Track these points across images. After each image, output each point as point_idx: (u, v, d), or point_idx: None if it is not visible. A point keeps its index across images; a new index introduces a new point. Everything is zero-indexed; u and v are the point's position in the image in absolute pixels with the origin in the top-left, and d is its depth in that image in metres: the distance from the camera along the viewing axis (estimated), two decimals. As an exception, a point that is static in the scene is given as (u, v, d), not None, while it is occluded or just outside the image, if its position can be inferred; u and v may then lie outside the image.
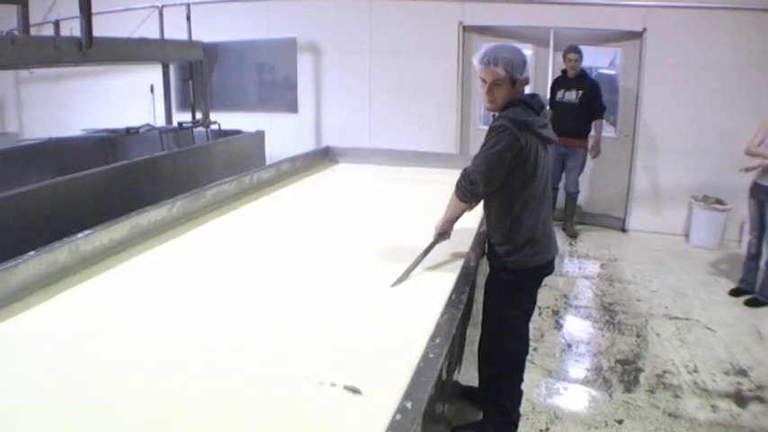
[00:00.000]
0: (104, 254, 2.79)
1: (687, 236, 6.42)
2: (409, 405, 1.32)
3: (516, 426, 2.99)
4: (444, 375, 1.81)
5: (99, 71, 7.86)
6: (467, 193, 2.58)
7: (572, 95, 6.14)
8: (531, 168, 2.54)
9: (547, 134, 2.60)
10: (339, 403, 1.61)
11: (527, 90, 2.79)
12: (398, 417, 1.29)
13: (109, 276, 2.62)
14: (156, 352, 1.94)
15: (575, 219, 6.66)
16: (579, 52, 6.09)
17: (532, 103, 2.56)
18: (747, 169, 4.69)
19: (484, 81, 2.56)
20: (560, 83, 6.28)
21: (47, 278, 2.48)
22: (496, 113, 2.59)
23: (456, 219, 2.75)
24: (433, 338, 1.67)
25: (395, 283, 2.47)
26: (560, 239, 6.33)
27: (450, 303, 1.97)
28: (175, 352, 1.94)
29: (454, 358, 2.01)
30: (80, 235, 2.69)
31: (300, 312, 2.26)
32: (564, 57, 6.17)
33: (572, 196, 6.47)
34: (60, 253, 2.57)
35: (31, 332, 2.10)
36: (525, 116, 2.49)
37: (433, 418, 1.74)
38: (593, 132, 6.23)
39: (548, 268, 2.77)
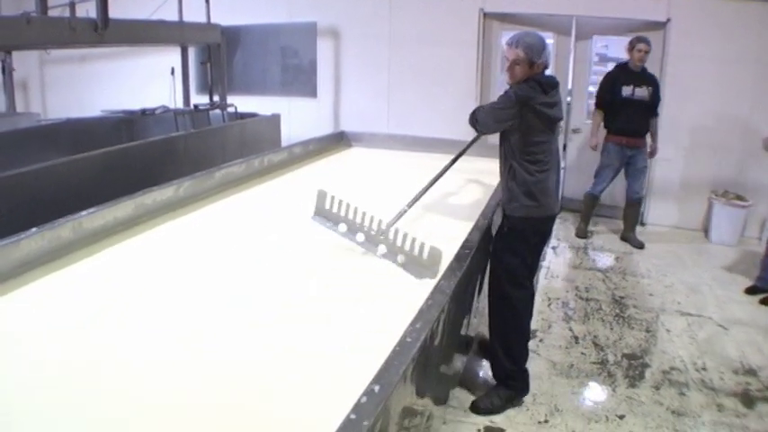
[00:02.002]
0: (108, 232, 2.81)
1: (706, 232, 6.31)
2: (377, 389, 1.32)
3: (527, 380, 3.23)
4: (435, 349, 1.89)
5: (121, 53, 7.92)
6: (472, 123, 3.10)
7: (644, 92, 5.66)
8: (526, 135, 2.92)
9: (551, 113, 2.94)
10: (314, 379, 1.66)
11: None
12: (364, 399, 1.28)
13: (112, 254, 2.64)
14: (153, 330, 1.96)
15: (636, 228, 6.19)
16: (649, 42, 5.66)
17: (542, 81, 2.91)
18: None
19: (507, 60, 2.95)
20: (624, 77, 5.73)
21: (49, 254, 2.51)
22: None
23: None
24: (413, 323, 1.67)
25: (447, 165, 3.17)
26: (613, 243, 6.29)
27: (437, 289, 1.97)
28: (171, 331, 1.96)
29: (445, 328, 2.05)
30: (84, 213, 2.72)
31: (298, 290, 2.29)
32: (631, 47, 5.68)
33: (637, 203, 6.04)
34: (64, 230, 2.60)
35: (31, 306, 2.12)
36: (529, 92, 2.87)
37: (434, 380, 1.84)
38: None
39: (547, 223, 3.13)
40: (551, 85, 2.95)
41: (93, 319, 2.02)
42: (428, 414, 2.18)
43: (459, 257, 2.37)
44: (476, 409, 3.14)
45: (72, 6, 4.31)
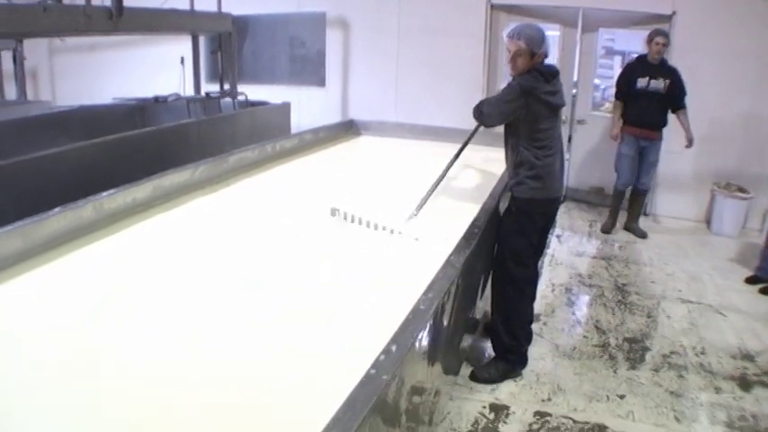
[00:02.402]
0: (127, 213, 2.93)
1: (709, 223, 6.38)
2: (394, 348, 1.42)
3: (525, 357, 3.44)
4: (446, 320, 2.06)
5: (131, 42, 8.01)
6: (477, 117, 3.24)
7: (659, 84, 5.66)
8: (532, 122, 3.09)
9: (553, 100, 3.11)
10: (337, 343, 1.82)
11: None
12: (382, 357, 1.39)
13: (130, 235, 2.76)
14: (163, 314, 2.07)
15: (640, 218, 6.28)
16: (667, 36, 5.71)
17: (544, 71, 3.07)
18: None
19: (509, 51, 3.10)
20: (640, 69, 5.76)
21: (72, 233, 2.62)
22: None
23: None
24: (426, 293, 1.79)
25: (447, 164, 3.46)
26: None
27: (448, 263, 2.09)
28: (182, 315, 2.07)
29: (455, 303, 2.23)
30: (104, 194, 2.83)
31: (309, 275, 2.40)
32: (650, 40, 5.69)
33: (643, 194, 6.13)
34: (85, 210, 2.71)
35: (55, 282, 2.25)
36: (533, 83, 3.03)
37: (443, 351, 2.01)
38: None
39: (553, 205, 3.32)
40: (552, 74, 3.11)
41: (107, 300, 2.12)
42: (435, 390, 2.29)
43: (468, 236, 2.47)
44: (474, 378, 3.32)
45: (88, -6, 4.40)
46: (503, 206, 3.32)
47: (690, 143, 5.83)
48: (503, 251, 3.28)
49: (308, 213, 3.13)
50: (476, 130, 3.44)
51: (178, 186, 3.26)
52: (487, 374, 3.33)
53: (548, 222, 3.39)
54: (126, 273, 2.34)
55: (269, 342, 1.87)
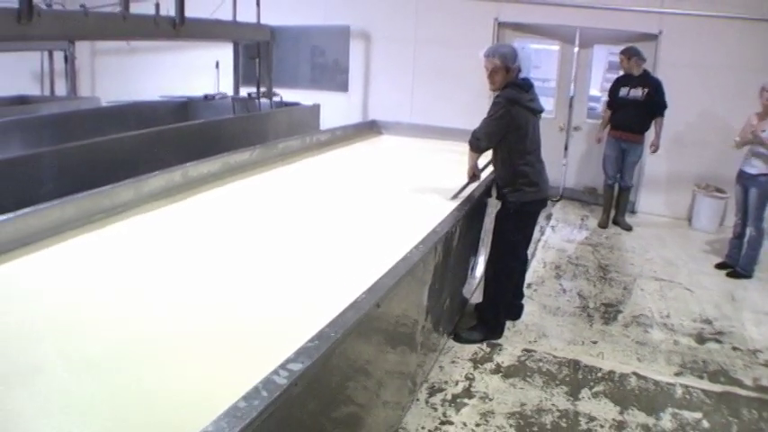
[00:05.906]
0: (201, 181, 3.72)
1: (690, 220, 7.12)
2: (401, 264, 2.27)
3: (503, 328, 4.00)
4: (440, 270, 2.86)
5: (166, 47, 8.72)
6: (474, 145, 3.65)
7: (638, 92, 6.36)
8: (523, 131, 3.55)
9: (534, 106, 3.61)
10: (358, 262, 2.57)
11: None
12: (399, 264, 2.25)
13: (196, 202, 3.47)
14: (217, 249, 2.76)
15: (626, 213, 6.96)
16: (627, 53, 6.43)
17: (522, 84, 3.56)
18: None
19: (487, 70, 3.56)
20: (624, 81, 6.51)
21: (163, 192, 3.40)
22: (497, 92, 3.61)
23: (476, 165, 3.75)
24: (416, 246, 2.57)
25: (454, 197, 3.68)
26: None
27: (433, 232, 2.83)
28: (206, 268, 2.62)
29: (443, 271, 3.05)
30: (188, 164, 3.63)
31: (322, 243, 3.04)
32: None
33: (626, 190, 6.78)
34: (175, 175, 3.50)
35: (124, 237, 2.87)
36: (516, 95, 3.50)
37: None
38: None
39: (544, 203, 3.85)
40: (528, 85, 3.57)
41: (175, 242, 2.82)
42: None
43: (458, 208, 3.30)
44: (457, 337, 3.87)
45: (157, 6, 5.19)
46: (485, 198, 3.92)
47: (655, 149, 6.58)
48: (501, 246, 3.77)
49: (339, 191, 3.90)
50: (465, 186, 3.77)
51: (241, 164, 4.07)
52: (470, 336, 3.89)
53: (537, 216, 3.91)
54: (198, 224, 3.08)
55: (317, 264, 2.65)
